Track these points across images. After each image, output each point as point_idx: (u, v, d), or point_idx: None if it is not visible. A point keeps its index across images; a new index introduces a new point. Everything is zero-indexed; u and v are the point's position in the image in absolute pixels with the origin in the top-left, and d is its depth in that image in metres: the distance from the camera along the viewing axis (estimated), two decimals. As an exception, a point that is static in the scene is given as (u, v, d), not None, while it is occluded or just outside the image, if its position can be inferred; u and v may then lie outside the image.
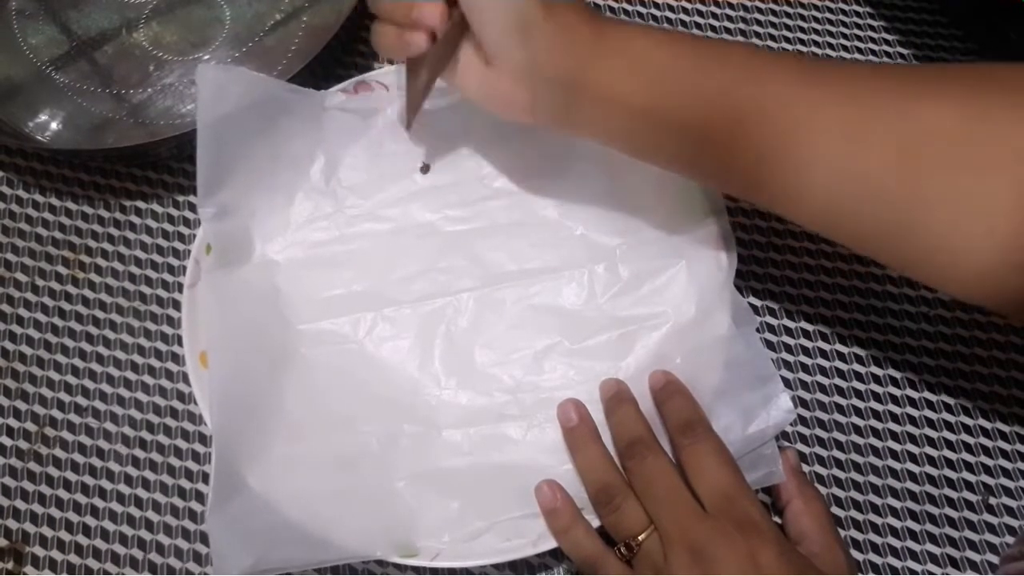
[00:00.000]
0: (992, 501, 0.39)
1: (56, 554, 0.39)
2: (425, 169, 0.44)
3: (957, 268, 0.30)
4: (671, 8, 0.52)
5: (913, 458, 0.40)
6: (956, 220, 0.29)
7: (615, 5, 0.52)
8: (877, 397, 0.41)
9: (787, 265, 0.44)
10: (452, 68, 0.36)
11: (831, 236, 0.34)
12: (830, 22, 0.51)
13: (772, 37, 0.51)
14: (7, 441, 0.41)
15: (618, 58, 0.33)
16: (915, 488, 0.39)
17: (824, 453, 0.40)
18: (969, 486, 0.39)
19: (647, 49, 0.33)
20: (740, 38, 0.51)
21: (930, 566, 0.38)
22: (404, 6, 0.34)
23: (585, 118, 0.34)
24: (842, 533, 0.38)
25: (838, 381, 0.42)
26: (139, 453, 0.41)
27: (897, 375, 0.42)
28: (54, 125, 0.47)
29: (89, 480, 0.40)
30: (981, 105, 0.29)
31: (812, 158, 0.31)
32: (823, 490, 0.39)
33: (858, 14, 0.51)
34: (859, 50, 0.50)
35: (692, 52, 0.33)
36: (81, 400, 0.42)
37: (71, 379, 0.42)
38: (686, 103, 0.32)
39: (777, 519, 0.36)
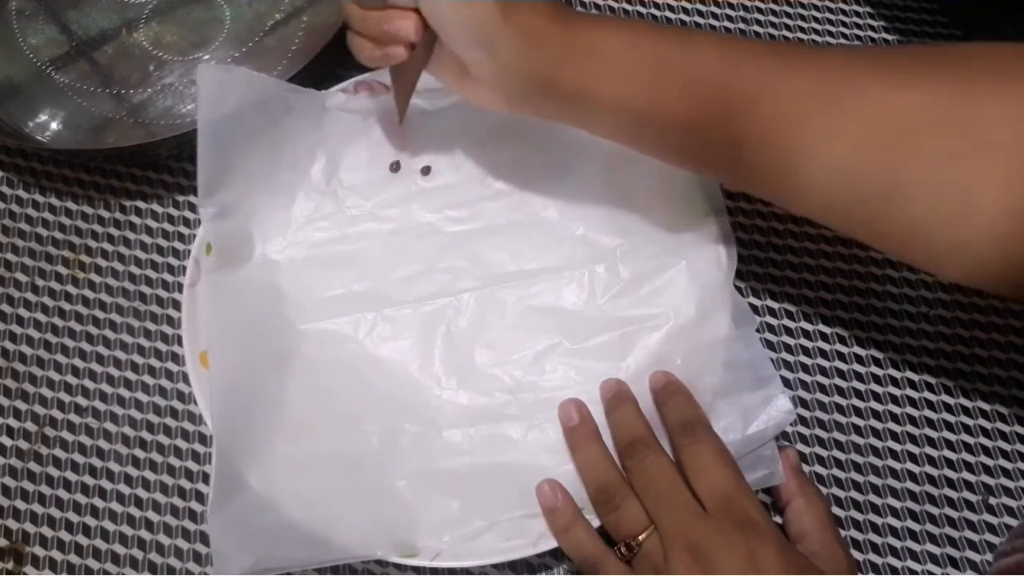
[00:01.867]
0: (992, 501, 0.39)
1: (56, 554, 0.39)
2: (426, 171, 0.44)
3: (940, 253, 0.31)
4: (671, 8, 0.52)
5: (913, 458, 0.40)
6: (933, 205, 0.29)
7: (615, 5, 0.52)
8: (877, 397, 0.41)
9: (787, 265, 0.44)
10: (433, 66, 0.36)
11: (828, 225, 0.34)
12: (830, 21, 0.51)
13: (772, 37, 0.51)
14: (7, 441, 0.41)
15: (588, 57, 0.33)
16: (915, 488, 0.39)
17: (824, 453, 0.40)
18: (969, 486, 0.39)
19: (619, 47, 0.32)
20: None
21: (930, 566, 0.38)
22: (379, 19, 0.35)
23: (561, 113, 0.35)
24: (842, 533, 0.38)
25: (838, 381, 0.42)
26: (139, 453, 0.41)
27: (897, 375, 0.42)
28: (54, 125, 0.47)
29: (89, 480, 0.40)
30: (956, 89, 0.29)
31: (798, 150, 0.31)
32: (823, 490, 0.39)
33: (858, 13, 0.51)
34: (859, 50, 0.50)
35: (664, 47, 0.32)
36: (81, 400, 0.42)
37: (71, 379, 0.42)
38: (660, 99, 0.32)
39: (778, 519, 0.36)
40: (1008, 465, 0.40)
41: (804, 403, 0.41)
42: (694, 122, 0.32)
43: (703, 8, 0.52)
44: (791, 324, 0.43)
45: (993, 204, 0.28)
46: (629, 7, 0.52)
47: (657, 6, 0.52)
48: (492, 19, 0.32)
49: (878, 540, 0.39)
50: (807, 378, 0.42)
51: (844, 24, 0.51)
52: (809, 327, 0.43)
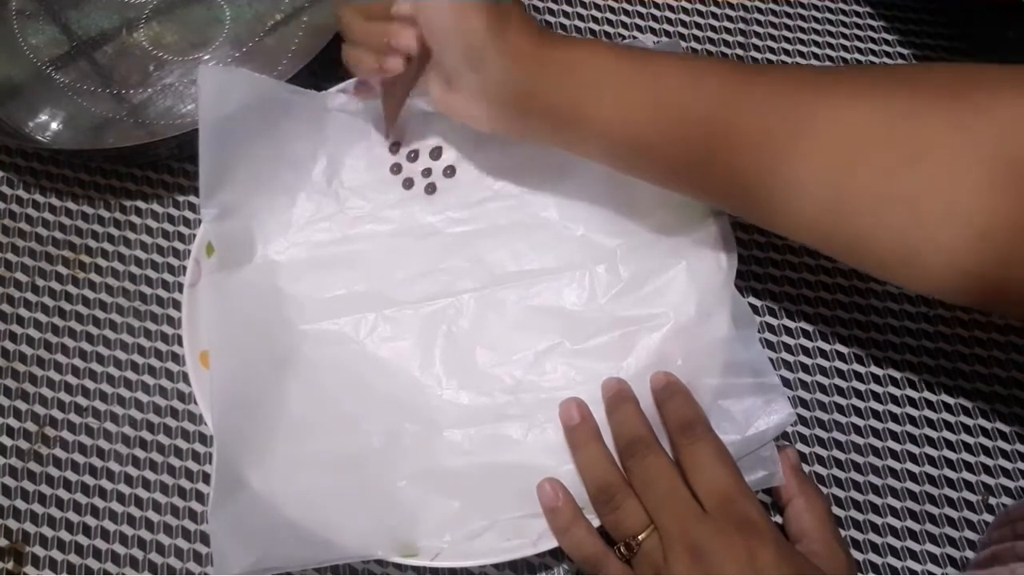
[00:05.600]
0: (992, 501, 0.39)
1: (56, 554, 0.39)
2: (427, 172, 0.44)
3: (892, 264, 0.31)
4: (671, 8, 0.52)
5: (913, 458, 0.40)
6: (880, 216, 0.30)
7: (615, 5, 0.52)
8: (877, 397, 0.41)
9: (787, 265, 0.44)
10: (421, 84, 0.39)
11: (804, 244, 0.35)
12: (830, 22, 0.51)
13: (772, 37, 0.51)
14: (7, 441, 0.41)
15: (562, 76, 0.35)
16: (915, 488, 0.39)
17: (824, 453, 0.40)
18: (969, 486, 0.39)
19: (591, 68, 0.34)
20: (740, 38, 0.51)
21: (930, 566, 0.38)
22: (378, 31, 0.36)
23: (537, 131, 0.37)
24: (842, 533, 0.38)
25: (838, 381, 0.42)
26: (139, 453, 0.41)
27: (897, 375, 0.42)
28: (54, 125, 0.47)
29: (89, 480, 0.40)
30: (902, 104, 0.30)
31: (761, 172, 0.32)
32: (823, 490, 0.39)
33: (858, 14, 0.52)
34: (859, 50, 0.50)
35: (629, 68, 0.34)
36: (81, 400, 0.42)
37: (71, 379, 0.42)
38: (630, 120, 0.34)
39: (778, 518, 0.36)
40: (1008, 465, 0.40)
41: (804, 403, 0.41)
42: (670, 145, 0.34)
43: (703, 8, 0.52)
44: (791, 324, 0.43)
45: (936, 215, 0.29)
46: (630, 6, 0.52)
47: (657, 6, 0.52)
48: (482, 34, 0.34)
49: (878, 540, 0.39)
50: (807, 378, 0.42)
51: (844, 24, 0.51)
52: (809, 327, 0.43)
